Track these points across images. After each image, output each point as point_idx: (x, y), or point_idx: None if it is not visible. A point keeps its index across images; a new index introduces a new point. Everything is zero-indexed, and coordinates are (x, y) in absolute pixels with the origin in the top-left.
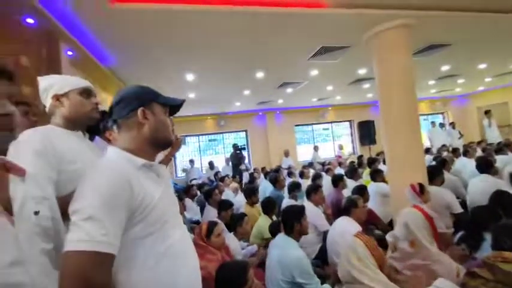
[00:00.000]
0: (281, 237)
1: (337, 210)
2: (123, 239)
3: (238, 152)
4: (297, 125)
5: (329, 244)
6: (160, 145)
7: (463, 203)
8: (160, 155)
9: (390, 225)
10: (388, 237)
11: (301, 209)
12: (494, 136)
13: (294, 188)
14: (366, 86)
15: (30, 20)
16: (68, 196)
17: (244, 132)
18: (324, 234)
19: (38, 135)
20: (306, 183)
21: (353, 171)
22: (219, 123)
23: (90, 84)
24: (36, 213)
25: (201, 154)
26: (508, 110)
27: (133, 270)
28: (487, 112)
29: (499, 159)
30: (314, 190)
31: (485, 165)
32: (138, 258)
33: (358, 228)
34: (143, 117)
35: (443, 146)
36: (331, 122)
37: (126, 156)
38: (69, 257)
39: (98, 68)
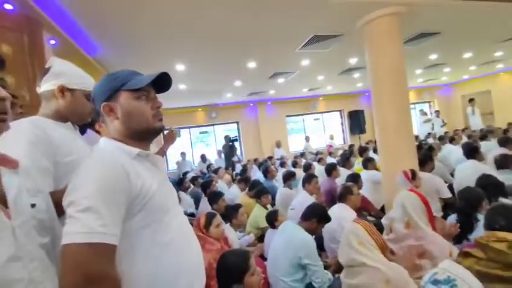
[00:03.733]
0: (289, 223)
1: (331, 198)
2: (124, 229)
3: (230, 143)
4: (288, 116)
5: (325, 231)
6: (140, 135)
7: (450, 188)
8: (154, 148)
9: (382, 211)
10: (384, 220)
11: (326, 213)
12: (477, 123)
13: (290, 176)
14: (356, 75)
15: (8, 6)
16: (64, 190)
17: (236, 124)
18: None
19: (31, 126)
20: (299, 172)
21: (345, 160)
22: (210, 115)
23: None
24: (33, 206)
25: (192, 147)
26: (490, 98)
27: (136, 260)
28: (470, 100)
29: (483, 145)
30: (308, 180)
31: (472, 151)
32: (141, 248)
33: (353, 214)
34: (109, 112)
35: (429, 133)
36: (321, 112)
37: (119, 145)
38: (68, 250)
39: (84, 58)
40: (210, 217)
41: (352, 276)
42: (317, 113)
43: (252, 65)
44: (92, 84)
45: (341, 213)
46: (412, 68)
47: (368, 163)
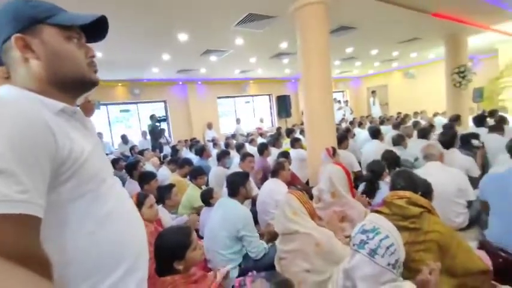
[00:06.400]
0: (226, 199)
1: (263, 176)
2: (50, 200)
3: (157, 123)
4: (219, 97)
5: (259, 205)
6: (69, 85)
7: (359, 163)
8: None
9: (307, 184)
10: (314, 191)
11: (246, 174)
12: (377, 112)
13: (224, 155)
14: (285, 61)
15: None
16: None
17: (163, 103)
18: (252, 198)
19: None
20: (231, 153)
21: (276, 141)
22: (132, 91)
23: None
24: None
25: (110, 127)
26: (387, 91)
27: (67, 237)
28: (373, 92)
29: (382, 129)
30: (243, 158)
31: (375, 133)
32: (71, 223)
33: (285, 188)
34: (23, 48)
35: (343, 119)
36: (252, 96)
37: (34, 96)
38: None
39: None
40: (141, 197)
41: (287, 242)
42: (248, 96)
43: (183, 37)
44: None
45: (273, 187)
46: (332, 59)
47: (295, 143)
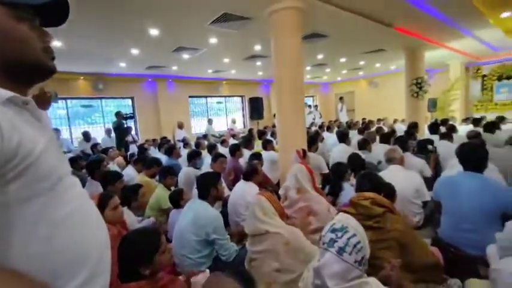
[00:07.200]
0: (196, 201)
1: (235, 177)
2: None
3: (124, 121)
4: (191, 97)
5: (230, 206)
6: (20, 71)
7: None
8: None
9: (277, 185)
10: (281, 190)
11: (217, 175)
12: (344, 117)
13: (195, 155)
14: (258, 63)
15: None
16: None
17: (131, 100)
18: (223, 200)
19: None
20: (203, 153)
21: (248, 142)
22: (96, 86)
23: None
24: None
25: (70, 123)
26: (353, 98)
27: (15, 243)
28: (341, 98)
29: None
30: (214, 159)
31: (343, 137)
32: (21, 227)
33: (256, 189)
34: None
35: (312, 123)
36: (224, 96)
37: None
38: None
39: None
40: (105, 198)
41: (257, 243)
42: (220, 96)
43: (154, 32)
44: None
45: (246, 189)
46: (304, 64)
47: (267, 144)
